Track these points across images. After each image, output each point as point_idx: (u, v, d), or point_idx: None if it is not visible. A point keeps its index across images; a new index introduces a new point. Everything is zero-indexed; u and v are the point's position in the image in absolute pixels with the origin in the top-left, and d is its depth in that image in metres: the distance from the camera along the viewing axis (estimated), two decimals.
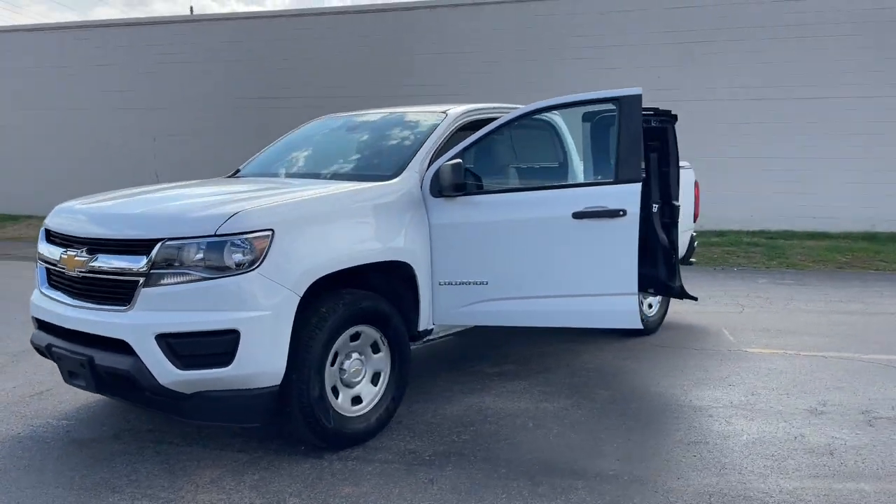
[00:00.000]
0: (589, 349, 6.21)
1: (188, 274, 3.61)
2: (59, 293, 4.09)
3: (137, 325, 3.60)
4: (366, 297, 4.14)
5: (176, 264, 3.62)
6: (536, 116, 5.48)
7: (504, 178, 5.14)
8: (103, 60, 18.31)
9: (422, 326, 4.53)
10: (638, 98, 4.55)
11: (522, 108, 4.77)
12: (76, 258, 3.90)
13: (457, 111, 5.08)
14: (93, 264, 3.82)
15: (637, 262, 4.46)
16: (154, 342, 3.56)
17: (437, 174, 4.49)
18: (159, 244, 3.63)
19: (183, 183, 5.07)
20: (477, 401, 4.87)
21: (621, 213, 4.42)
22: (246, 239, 3.64)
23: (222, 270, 3.61)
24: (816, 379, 5.37)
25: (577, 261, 4.53)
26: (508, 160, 5.30)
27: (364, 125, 5.54)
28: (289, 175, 5.14)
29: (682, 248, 7.30)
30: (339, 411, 4.02)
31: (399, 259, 4.30)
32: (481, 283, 4.57)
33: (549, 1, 15.17)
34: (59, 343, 3.99)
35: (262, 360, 3.64)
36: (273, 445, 4.11)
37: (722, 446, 4.14)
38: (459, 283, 4.57)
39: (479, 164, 4.81)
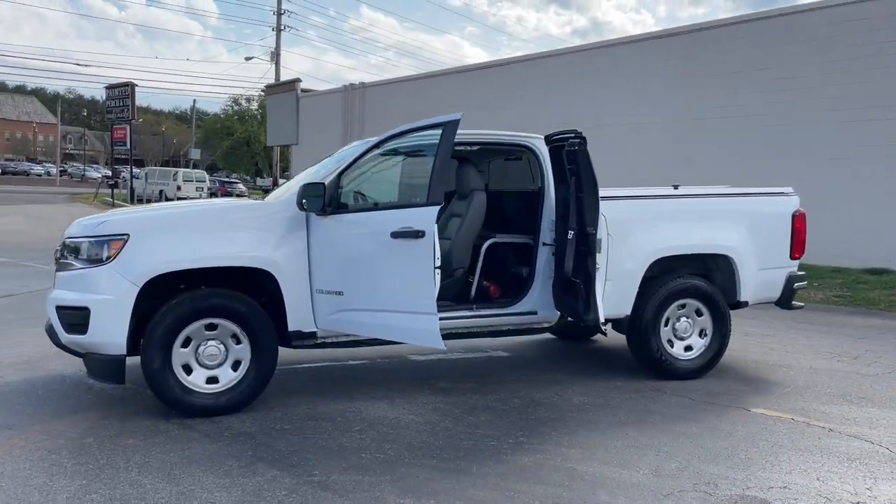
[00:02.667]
0: (579, 381, 5.97)
1: (72, 265, 4.95)
2: None
3: (51, 298, 5.06)
4: (218, 294, 4.98)
5: (69, 257, 4.99)
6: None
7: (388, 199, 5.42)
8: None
9: (291, 328, 5.14)
10: (456, 123, 4.60)
11: (372, 140, 5.12)
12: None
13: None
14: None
15: (434, 283, 4.49)
16: (55, 311, 4.97)
17: None
18: (62, 241, 5.06)
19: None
20: (355, 406, 5.26)
21: (421, 234, 4.53)
22: (106, 241, 4.85)
23: (90, 263, 4.87)
24: (769, 452, 4.51)
25: (394, 278, 4.74)
26: (395, 184, 5.53)
27: (348, 148, 6.20)
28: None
29: (774, 290, 6.38)
30: (188, 385, 4.93)
31: (258, 266, 5.01)
32: (339, 293, 5.05)
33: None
34: None
35: (107, 332, 4.78)
36: (165, 409, 5.18)
37: (451, 491, 4.01)
38: (327, 292, 5.10)
39: (366, 186, 5.26)
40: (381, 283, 4.86)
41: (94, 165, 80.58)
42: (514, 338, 7.24)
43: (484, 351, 7.11)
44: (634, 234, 5.85)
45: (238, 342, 5.05)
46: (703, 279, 6.13)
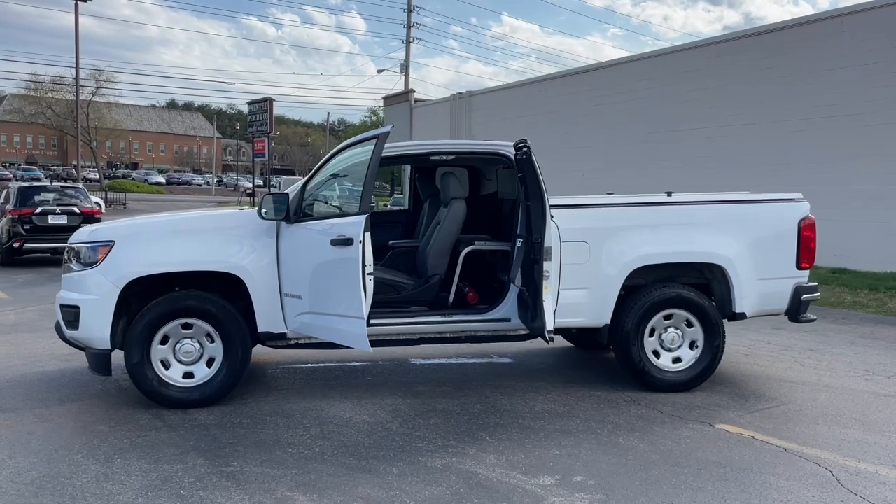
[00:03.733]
0: (559, 389, 5.93)
1: (72, 268, 5.55)
2: None
3: (57, 298, 5.68)
4: (192, 296, 5.40)
5: (72, 260, 5.59)
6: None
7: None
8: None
9: (261, 329, 5.48)
10: (385, 136, 4.79)
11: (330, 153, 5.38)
12: None
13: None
14: None
15: (362, 288, 4.67)
16: (59, 309, 5.59)
17: None
18: (67, 246, 5.67)
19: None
20: (322, 404, 5.51)
21: (350, 241, 4.72)
22: (96, 247, 5.40)
23: (84, 266, 5.44)
24: (693, 469, 4.38)
25: (334, 283, 4.97)
26: (350, 192, 5.70)
27: None
28: None
29: (778, 301, 6.10)
30: (166, 379, 5.38)
31: (226, 271, 5.38)
32: (298, 296, 5.34)
33: None
34: None
35: (93, 328, 5.32)
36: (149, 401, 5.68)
37: (317, 487, 4.18)
38: (291, 296, 5.40)
39: (332, 194, 5.52)
40: (325, 288, 5.12)
41: (249, 175, 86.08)
42: (526, 345, 7.26)
43: (489, 357, 7.17)
44: (613, 242, 5.76)
45: (212, 341, 5.45)
46: (692, 289, 5.91)
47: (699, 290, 6.02)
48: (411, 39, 45.89)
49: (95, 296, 5.31)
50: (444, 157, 6.10)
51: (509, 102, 22.84)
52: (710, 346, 5.87)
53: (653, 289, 5.85)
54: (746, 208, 6.09)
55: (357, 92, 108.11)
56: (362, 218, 4.82)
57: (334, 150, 5.48)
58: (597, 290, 5.74)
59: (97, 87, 65.66)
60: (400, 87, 44.81)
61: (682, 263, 5.94)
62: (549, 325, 5.13)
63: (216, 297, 5.44)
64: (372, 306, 5.80)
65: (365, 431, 4.93)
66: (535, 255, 5.10)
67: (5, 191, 17.17)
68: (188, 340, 5.43)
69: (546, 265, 5.09)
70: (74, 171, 68.08)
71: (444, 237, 5.97)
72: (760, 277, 5.96)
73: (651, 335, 5.88)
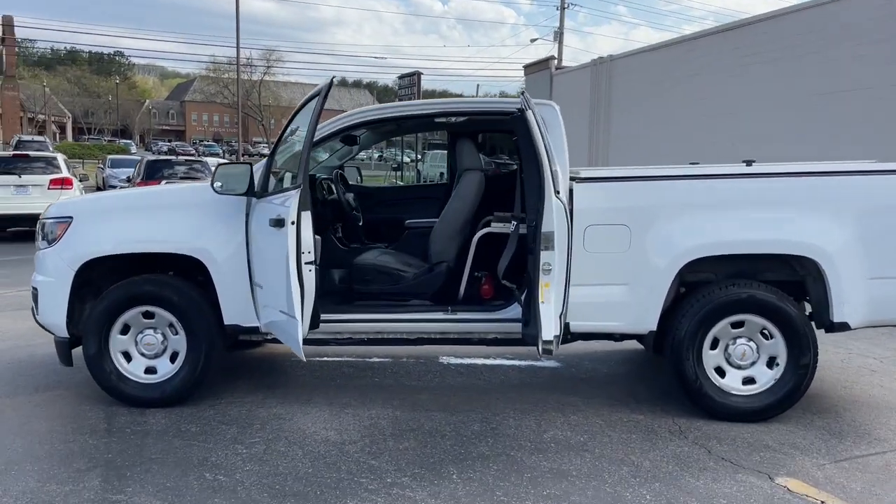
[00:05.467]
0: (594, 410, 4.73)
1: (38, 246, 5.03)
2: None
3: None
4: (150, 281, 4.71)
5: (39, 237, 5.07)
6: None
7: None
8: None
9: (227, 321, 4.67)
10: (325, 90, 3.86)
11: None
12: None
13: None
14: None
15: (295, 280, 3.72)
16: (32, 291, 5.12)
17: None
18: (39, 221, 5.16)
19: None
20: (297, 411, 4.68)
21: (282, 222, 3.79)
22: (56, 223, 4.84)
23: (48, 244, 4.90)
24: None
25: (274, 272, 4.04)
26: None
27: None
28: None
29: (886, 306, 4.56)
30: (126, 374, 4.73)
31: (185, 253, 4.62)
32: (261, 285, 4.49)
33: None
34: None
35: (49, 313, 4.77)
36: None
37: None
38: (257, 284, 4.57)
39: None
40: (271, 278, 4.22)
41: (409, 151, 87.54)
42: (582, 347, 6.04)
43: (534, 359, 5.98)
44: (661, 226, 4.44)
45: (176, 333, 4.75)
46: (772, 289, 4.46)
47: (793, 290, 4.57)
48: (566, 6, 44.18)
49: (52, 278, 4.77)
50: (453, 119, 4.99)
51: (652, 65, 20.82)
52: (795, 364, 4.42)
53: (716, 287, 4.48)
54: (854, 182, 4.52)
55: (515, 62, 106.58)
56: (294, 194, 3.86)
57: (296, 108, 4.54)
58: (639, 287, 4.47)
59: (268, 67, 68.99)
60: (566, 57, 43.19)
61: (758, 255, 4.52)
62: (548, 334, 3.91)
63: (178, 283, 4.74)
64: (366, 297, 4.93)
65: (314, 455, 4.02)
66: (530, 243, 3.93)
67: (139, 164, 17.84)
68: (150, 331, 4.76)
69: (546, 255, 3.90)
70: (250, 147, 72.22)
71: (451, 218, 4.90)
72: (874, 276, 4.42)
73: (714, 347, 4.53)
